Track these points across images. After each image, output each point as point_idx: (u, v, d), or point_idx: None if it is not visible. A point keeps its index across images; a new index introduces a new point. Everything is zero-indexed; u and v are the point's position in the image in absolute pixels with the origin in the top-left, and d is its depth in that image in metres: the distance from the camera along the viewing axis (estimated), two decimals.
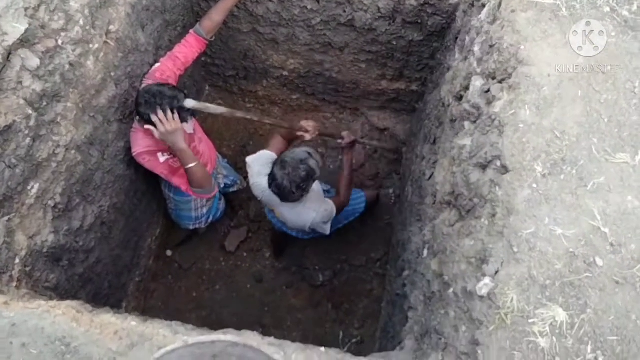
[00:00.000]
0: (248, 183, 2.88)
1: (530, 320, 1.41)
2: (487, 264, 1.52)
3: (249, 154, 4.02)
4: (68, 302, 1.63)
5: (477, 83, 1.99)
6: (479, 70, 2.01)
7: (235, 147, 4.11)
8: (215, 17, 2.72)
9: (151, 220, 3.49)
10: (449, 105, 2.35)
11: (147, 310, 3.66)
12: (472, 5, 2.35)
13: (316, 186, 2.81)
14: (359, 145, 3.67)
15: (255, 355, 1.22)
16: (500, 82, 1.81)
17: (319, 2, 2.97)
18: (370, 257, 3.84)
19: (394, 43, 3.21)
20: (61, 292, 2.37)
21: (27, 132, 1.94)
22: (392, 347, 2.56)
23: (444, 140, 2.33)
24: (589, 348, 1.38)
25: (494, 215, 1.60)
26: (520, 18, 1.80)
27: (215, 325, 3.62)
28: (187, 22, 3.19)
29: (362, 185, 3.88)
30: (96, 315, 1.51)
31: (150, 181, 3.12)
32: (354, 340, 3.56)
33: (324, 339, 3.65)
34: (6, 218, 1.94)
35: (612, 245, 1.47)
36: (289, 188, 2.45)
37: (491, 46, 1.91)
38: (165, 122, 2.39)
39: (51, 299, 2.17)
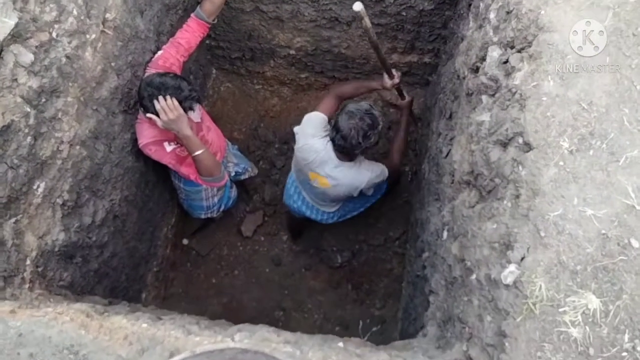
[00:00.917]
0: (259, 169, 2.81)
1: (560, 309, 1.32)
2: (512, 250, 1.42)
3: (260, 137, 3.98)
4: (77, 306, 1.59)
5: (494, 53, 1.86)
6: (495, 39, 1.88)
7: (246, 130, 4.05)
8: None
9: (165, 210, 3.45)
10: (464, 78, 2.22)
11: (167, 297, 3.68)
12: None
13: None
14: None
15: None
16: (519, 51, 1.68)
17: None
18: (388, 236, 3.77)
19: (404, 14, 3.07)
20: (77, 289, 2.35)
21: (27, 130, 1.88)
22: (414, 329, 2.50)
23: (460, 116, 2.21)
24: (626, 337, 1.29)
25: (517, 197, 1.49)
26: None
27: (236, 311, 3.64)
28: (188, 5, 3.08)
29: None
30: (106, 318, 1.47)
31: (161, 172, 3.07)
32: (374, 329, 3.52)
33: (345, 320, 3.63)
34: (13, 220, 1.90)
35: None
36: (356, 138, 2.44)
37: (508, 12, 1.77)
38: (167, 110, 2.32)
39: (66, 297, 2.15)
